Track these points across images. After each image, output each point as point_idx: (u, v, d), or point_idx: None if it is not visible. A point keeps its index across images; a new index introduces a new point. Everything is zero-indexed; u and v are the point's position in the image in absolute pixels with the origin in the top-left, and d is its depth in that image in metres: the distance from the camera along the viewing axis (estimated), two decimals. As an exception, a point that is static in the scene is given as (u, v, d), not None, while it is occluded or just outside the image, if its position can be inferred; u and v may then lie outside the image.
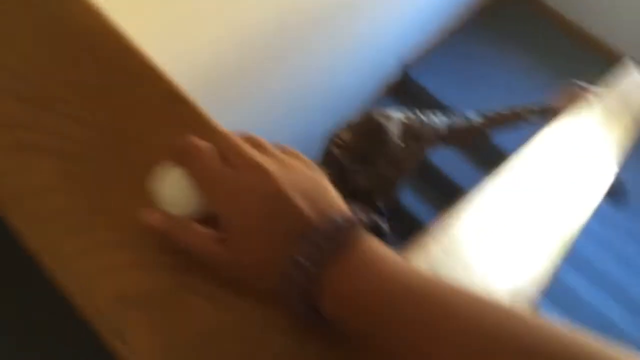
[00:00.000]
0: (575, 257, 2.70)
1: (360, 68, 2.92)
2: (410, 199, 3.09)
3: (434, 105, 3.63)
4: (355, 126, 1.86)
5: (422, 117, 1.91)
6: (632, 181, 3.58)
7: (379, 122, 1.81)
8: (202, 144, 0.44)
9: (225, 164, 0.43)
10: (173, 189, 0.45)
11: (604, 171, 1.21)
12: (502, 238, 0.89)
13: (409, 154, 1.87)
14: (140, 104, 0.52)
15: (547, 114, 1.80)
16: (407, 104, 3.53)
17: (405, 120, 1.88)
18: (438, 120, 1.92)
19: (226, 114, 1.69)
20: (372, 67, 3.09)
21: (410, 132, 1.87)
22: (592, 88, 1.70)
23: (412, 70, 3.57)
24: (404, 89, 3.56)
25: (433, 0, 3.17)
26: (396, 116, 1.86)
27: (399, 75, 3.51)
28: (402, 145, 1.83)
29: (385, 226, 1.85)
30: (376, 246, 0.41)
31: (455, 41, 3.83)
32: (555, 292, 2.38)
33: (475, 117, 1.93)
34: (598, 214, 3.24)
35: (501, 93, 3.62)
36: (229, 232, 0.42)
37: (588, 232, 2.88)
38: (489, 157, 2.64)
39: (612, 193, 3.84)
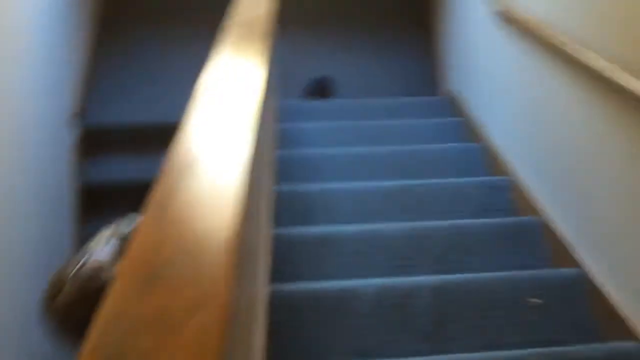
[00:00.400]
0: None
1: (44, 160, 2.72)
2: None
3: (127, 132, 3.57)
4: (79, 312, 1.57)
5: (124, 226, 1.79)
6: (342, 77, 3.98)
7: (99, 285, 1.56)
8: None
9: None
10: None
11: (254, 81, 1.30)
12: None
13: None
14: None
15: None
16: (100, 149, 3.38)
17: (117, 242, 1.71)
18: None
19: None
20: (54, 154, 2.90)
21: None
22: None
23: (88, 116, 3.45)
24: (92, 137, 3.42)
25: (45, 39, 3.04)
26: (103, 255, 1.63)
27: (81, 131, 3.35)
28: None
29: None
30: None
31: (102, 60, 3.79)
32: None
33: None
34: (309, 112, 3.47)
35: (170, 81, 3.66)
36: None
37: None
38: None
39: (320, 92, 4.19)
